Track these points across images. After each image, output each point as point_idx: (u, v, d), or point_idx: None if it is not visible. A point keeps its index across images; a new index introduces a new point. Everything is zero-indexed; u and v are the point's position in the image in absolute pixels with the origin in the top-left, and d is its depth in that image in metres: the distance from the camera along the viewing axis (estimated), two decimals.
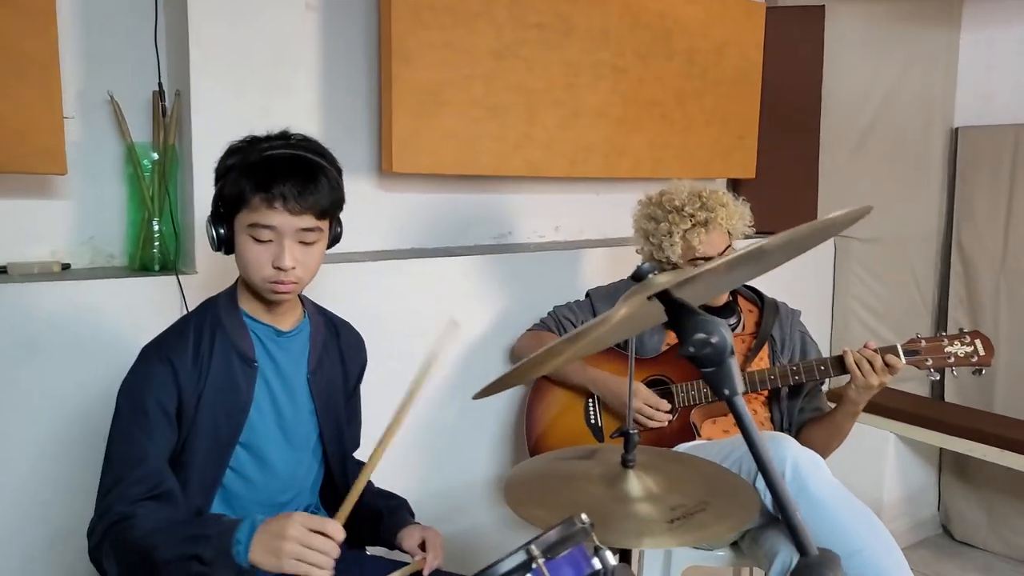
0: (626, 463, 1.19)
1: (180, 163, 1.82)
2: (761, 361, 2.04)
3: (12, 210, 1.76)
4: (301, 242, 1.29)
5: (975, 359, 1.76)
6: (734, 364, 0.79)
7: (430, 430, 2.22)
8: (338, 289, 1.84)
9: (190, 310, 1.41)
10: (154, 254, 1.82)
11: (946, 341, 1.77)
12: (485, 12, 2.20)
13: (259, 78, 1.82)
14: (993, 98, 3.05)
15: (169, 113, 1.79)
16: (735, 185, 3.16)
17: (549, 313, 2.21)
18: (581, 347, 0.92)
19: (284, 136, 1.34)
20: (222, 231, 1.31)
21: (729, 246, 1.99)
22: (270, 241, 1.27)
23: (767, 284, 2.00)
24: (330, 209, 1.31)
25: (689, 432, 1.91)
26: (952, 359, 1.76)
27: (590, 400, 2.05)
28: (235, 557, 1.09)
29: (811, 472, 1.52)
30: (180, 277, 1.76)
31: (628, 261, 2.54)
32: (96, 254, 1.88)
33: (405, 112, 2.09)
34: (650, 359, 2.04)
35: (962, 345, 1.76)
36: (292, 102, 1.87)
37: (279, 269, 1.27)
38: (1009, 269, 3.03)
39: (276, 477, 1.41)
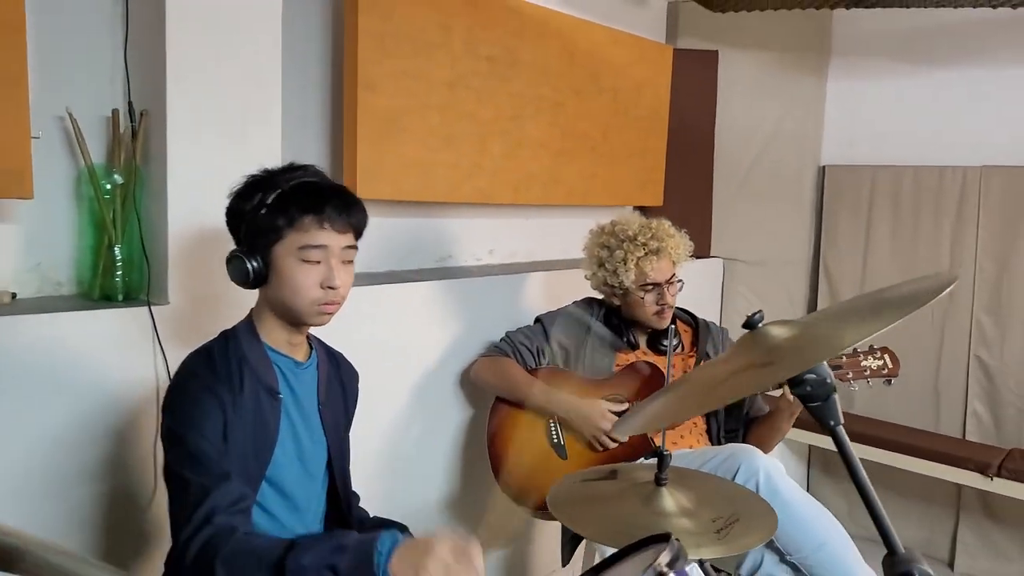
0: (660, 481, 1.31)
1: (146, 186, 1.73)
2: None
3: None
4: (343, 261, 1.33)
5: (886, 371, 2.05)
6: (837, 399, 0.93)
7: (391, 456, 2.23)
8: None
9: (209, 342, 1.36)
10: (116, 282, 1.71)
11: (862, 356, 2.04)
12: (444, 43, 2.26)
13: (235, 101, 1.76)
14: (855, 142, 3.51)
15: (139, 134, 1.69)
16: (642, 212, 3.41)
17: (503, 339, 2.28)
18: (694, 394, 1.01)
19: (299, 167, 1.36)
20: (255, 264, 1.30)
21: (674, 274, 2.18)
22: (318, 263, 1.29)
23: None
24: (363, 229, 1.37)
25: (647, 446, 2.06)
26: (868, 371, 2.04)
27: (551, 422, 2.15)
28: (375, 567, 1.08)
29: (779, 478, 1.72)
30: (152, 308, 1.67)
31: (565, 285, 2.69)
32: (44, 282, 1.73)
33: (368, 140, 2.10)
34: (603, 380, 2.17)
35: (875, 359, 2.04)
36: (268, 128, 1.83)
37: (329, 289, 1.30)
38: (867, 287, 3.48)
39: (295, 509, 1.40)
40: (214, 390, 1.25)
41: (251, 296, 1.82)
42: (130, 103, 1.68)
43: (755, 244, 3.63)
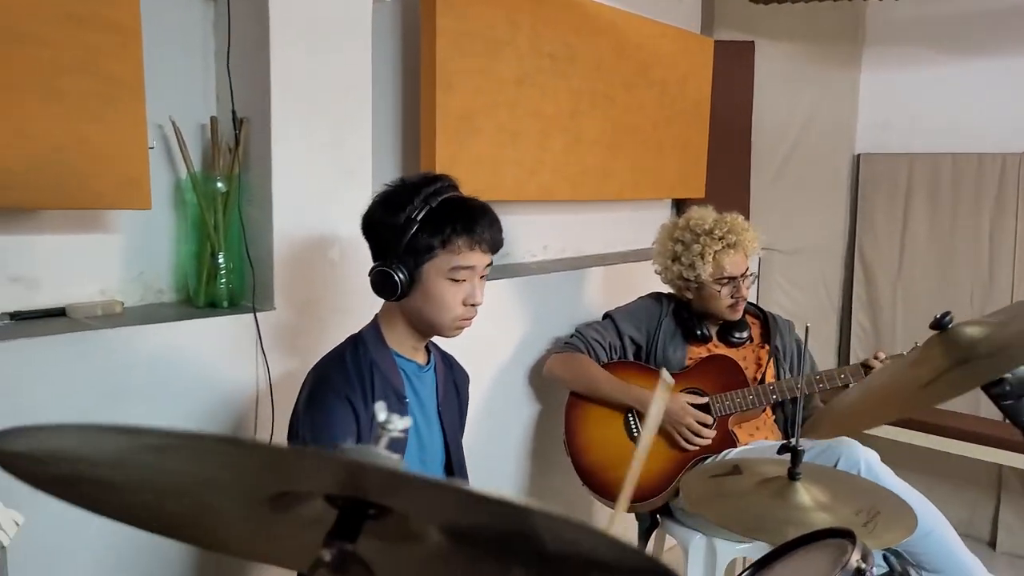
0: (793, 476, 1.34)
1: (247, 194, 1.73)
2: (768, 369, 2.28)
3: (61, 246, 1.59)
4: (480, 278, 1.37)
5: None
6: None
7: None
8: None
9: (338, 347, 1.39)
10: (221, 289, 1.72)
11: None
12: (510, 41, 2.27)
13: (330, 107, 1.77)
14: (890, 130, 3.55)
15: (241, 141, 1.70)
16: (682, 203, 3.44)
17: (574, 335, 2.31)
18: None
19: (436, 179, 1.37)
20: (403, 277, 1.32)
21: (748, 267, 2.21)
22: (464, 281, 1.32)
23: None
24: (501, 247, 1.39)
25: (730, 440, 2.10)
26: None
27: (629, 415, 2.18)
28: None
29: (879, 468, 1.77)
30: (257, 314, 1.68)
31: (624, 279, 2.72)
32: (146, 290, 1.74)
33: (446, 139, 2.12)
34: (680, 373, 2.21)
35: None
36: (360, 133, 1.84)
37: (472, 306, 1.33)
38: (904, 277, 3.54)
39: None
40: (349, 398, 1.28)
41: (352, 302, 1.85)
42: (233, 111, 1.68)
43: (791, 233, 3.67)
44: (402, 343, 1.39)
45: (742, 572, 1.13)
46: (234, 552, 0.63)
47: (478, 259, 1.32)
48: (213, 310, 1.70)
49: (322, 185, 1.78)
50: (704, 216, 2.20)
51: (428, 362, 1.46)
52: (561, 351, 2.31)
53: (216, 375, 1.63)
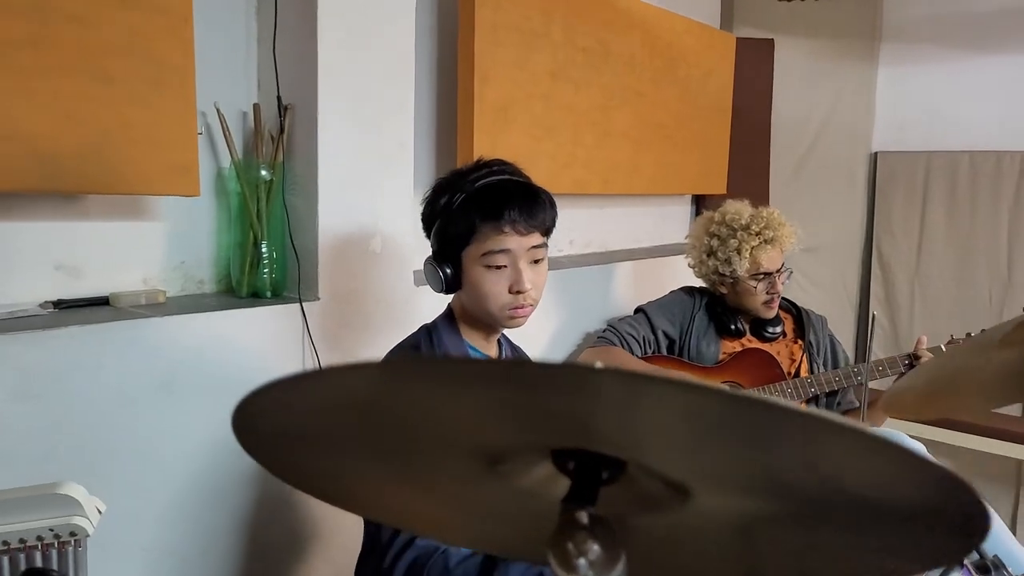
0: None
1: (292, 182, 1.70)
2: (802, 364, 2.27)
3: (105, 233, 1.56)
4: (532, 261, 1.30)
5: None
6: None
7: None
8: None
9: (411, 337, 1.36)
10: (264, 279, 1.69)
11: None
12: (545, 33, 2.25)
13: (374, 96, 1.75)
14: (907, 128, 3.55)
15: (286, 129, 1.67)
16: (701, 199, 3.43)
17: (608, 329, 2.29)
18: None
19: (486, 165, 1.34)
20: (446, 270, 1.29)
21: (783, 263, 2.20)
22: (504, 267, 1.27)
23: None
24: (551, 226, 1.34)
25: None
26: None
27: None
28: None
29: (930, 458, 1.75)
30: (303, 304, 1.65)
31: (650, 274, 2.70)
32: (187, 280, 1.70)
33: (484, 130, 2.09)
34: (715, 367, 2.19)
35: None
36: (401, 121, 1.81)
37: (518, 292, 1.28)
38: (922, 274, 3.54)
39: None
40: None
41: (394, 294, 1.82)
42: (279, 98, 1.66)
43: (809, 231, 3.64)
44: (473, 334, 1.36)
45: None
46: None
47: (512, 242, 1.26)
48: (257, 300, 1.67)
49: (365, 174, 1.75)
50: (740, 211, 2.19)
51: (501, 354, 1.43)
52: (595, 345, 2.29)
53: (264, 365, 1.60)
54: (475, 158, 2.08)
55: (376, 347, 1.80)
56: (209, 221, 1.72)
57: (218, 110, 1.63)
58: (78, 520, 0.77)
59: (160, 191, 1.46)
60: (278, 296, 1.71)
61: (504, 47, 2.12)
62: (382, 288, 1.81)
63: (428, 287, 1.94)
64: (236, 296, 1.69)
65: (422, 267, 1.35)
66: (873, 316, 1.46)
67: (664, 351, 2.28)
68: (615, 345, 2.25)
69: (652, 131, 2.77)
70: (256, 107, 1.70)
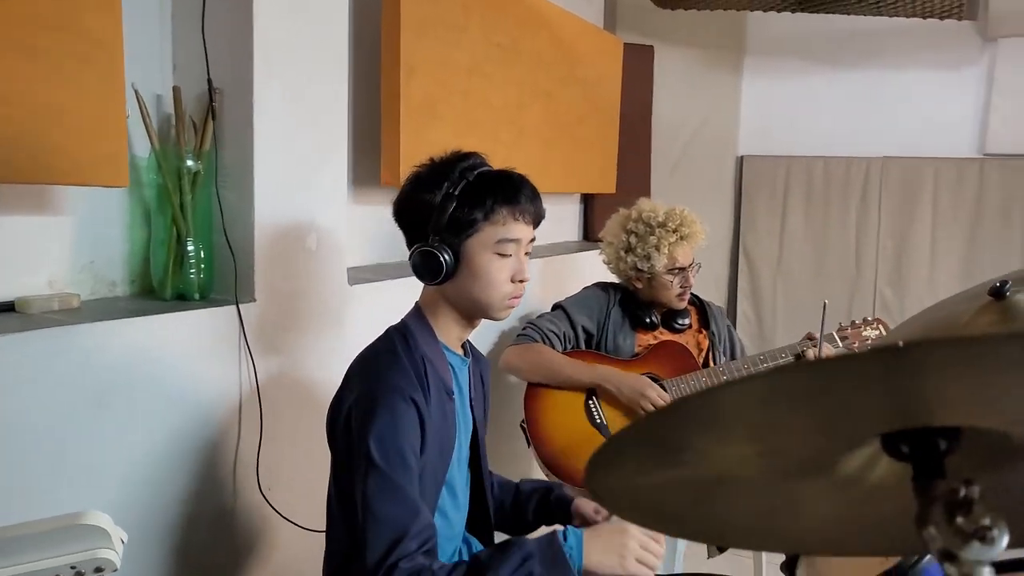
0: None
1: (224, 174, 1.56)
2: (708, 353, 2.40)
3: (3, 228, 1.35)
4: (525, 254, 1.31)
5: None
6: None
7: None
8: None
9: (384, 340, 1.29)
10: (191, 280, 1.54)
11: (862, 327, 2.30)
12: (464, 27, 2.22)
13: (310, 86, 1.64)
14: (769, 134, 3.86)
15: (216, 115, 1.53)
16: (589, 198, 3.54)
17: (529, 327, 2.30)
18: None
19: (469, 155, 1.32)
20: (447, 258, 1.24)
21: (693, 258, 2.32)
22: (509, 256, 1.26)
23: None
24: (542, 220, 1.35)
25: None
26: (869, 341, 2.29)
27: (590, 401, 2.21)
28: (569, 560, 1.09)
29: None
30: (240, 306, 1.53)
31: (554, 273, 2.75)
32: (97, 282, 1.52)
33: (410, 126, 2.03)
34: (633, 360, 2.27)
35: (872, 329, 2.30)
36: (336, 114, 1.72)
37: (520, 282, 1.28)
38: (783, 269, 3.86)
39: (459, 508, 1.37)
40: (414, 399, 1.19)
41: (330, 295, 1.72)
42: (209, 81, 1.51)
43: None
44: (449, 334, 1.31)
45: None
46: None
47: (523, 231, 1.27)
48: (184, 303, 1.52)
49: (301, 168, 1.65)
50: (655, 208, 2.28)
51: (467, 354, 1.39)
52: (517, 343, 2.29)
53: (199, 374, 1.46)
54: (401, 155, 2.04)
55: (313, 351, 1.70)
56: (121, 216, 1.54)
57: (136, 92, 1.46)
58: (105, 553, 0.66)
59: (86, 181, 1.28)
60: (206, 298, 1.56)
61: (428, 41, 2.07)
62: (318, 288, 1.71)
63: (362, 286, 1.87)
64: (159, 299, 1.53)
65: (409, 256, 1.28)
66: (824, 304, 1.57)
67: (583, 346, 2.33)
68: (536, 342, 2.26)
69: (559, 130, 2.82)
70: (176, 90, 1.54)
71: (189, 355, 1.44)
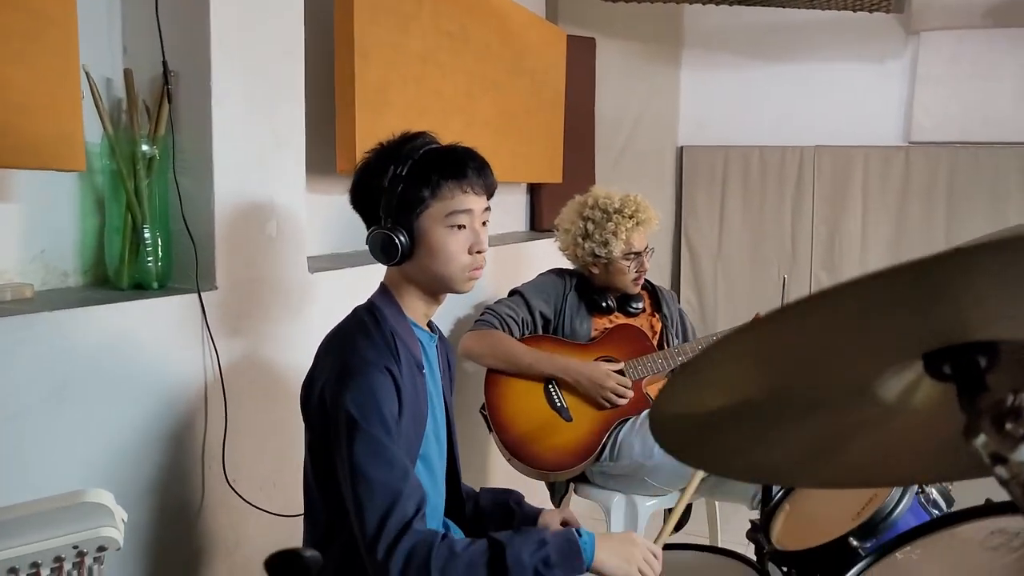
0: None
1: (181, 159, 1.52)
2: (661, 336, 2.46)
3: None
4: (482, 224, 1.33)
5: None
6: None
7: None
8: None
9: (351, 319, 1.28)
10: (149, 268, 1.49)
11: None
12: (416, 15, 2.22)
13: (268, 69, 1.62)
14: (706, 125, 3.97)
15: (172, 99, 1.48)
16: (536, 189, 3.57)
17: (487, 312, 2.31)
18: None
19: (418, 135, 1.35)
20: (402, 238, 1.25)
21: (647, 243, 2.38)
22: (464, 228, 1.28)
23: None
24: (495, 191, 1.37)
25: (646, 401, 2.24)
26: None
27: (549, 385, 2.24)
28: (583, 555, 1.12)
29: None
30: (201, 295, 1.49)
31: (508, 261, 2.78)
32: (49, 272, 1.46)
33: (365, 111, 2.02)
34: (590, 343, 2.31)
35: None
36: (294, 99, 1.70)
37: (478, 253, 1.30)
38: (723, 255, 3.99)
39: (437, 486, 1.38)
40: (390, 369, 1.20)
41: (291, 281, 1.70)
42: (165, 63, 1.47)
43: None
44: (415, 311, 1.33)
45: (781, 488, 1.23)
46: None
47: (473, 202, 1.29)
48: (143, 292, 1.47)
49: (260, 152, 1.62)
50: (611, 195, 2.32)
51: (434, 331, 1.41)
52: (475, 329, 2.30)
53: (161, 364, 1.42)
54: (356, 141, 2.02)
55: (275, 339, 1.67)
56: (71, 203, 1.49)
57: (87, 74, 1.40)
58: (108, 531, 0.64)
59: (40, 164, 1.23)
60: (164, 287, 1.52)
61: (381, 27, 2.06)
62: (279, 275, 1.68)
63: (323, 274, 1.85)
64: (115, 288, 1.48)
65: (366, 240, 1.28)
66: (784, 278, 1.64)
67: (540, 331, 2.35)
68: (495, 328, 2.27)
69: (508, 120, 2.84)
70: (128, 73, 1.49)
71: (151, 345, 1.40)
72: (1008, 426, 0.44)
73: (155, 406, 1.41)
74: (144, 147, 1.47)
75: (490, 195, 1.35)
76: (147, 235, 1.49)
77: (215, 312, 1.52)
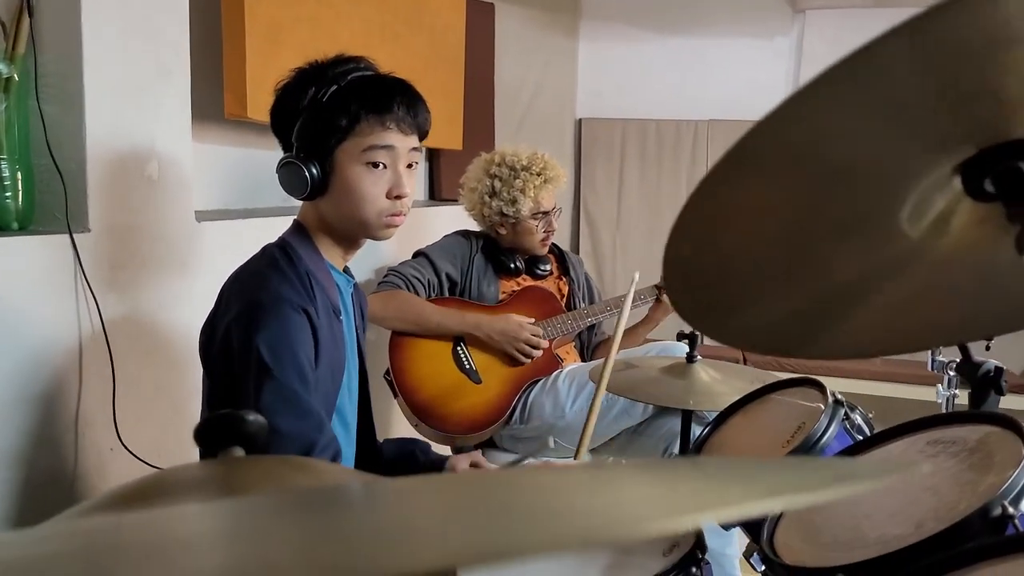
0: (692, 359, 1.48)
1: (41, 83, 1.33)
2: (568, 298, 2.44)
3: None
4: (407, 166, 1.22)
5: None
6: None
7: None
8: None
9: (261, 256, 1.16)
10: (9, 207, 1.30)
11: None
12: None
13: None
14: (604, 97, 3.99)
15: (33, 11, 1.29)
16: (435, 153, 3.47)
17: (392, 273, 2.21)
18: None
19: (351, 59, 1.23)
20: (314, 170, 1.14)
21: (555, 202, 2.34)
22: (384, 167, 1.18)
23: None
24: (427, 131, 1.27)
25: (556, 362, 2.21)
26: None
27: (458, 347, 2.16)
28: None
29: None
30: (74, 236, 1.32)
31: (408, 228, 2.67)
32: None
33: (255, 51, 1.86)
34: (498, 305, 2.25)
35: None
36: (176, 23, 1.53)
37: (398, 198, 1.19)
38: (622, 228, 4.04)
39: (350, 441, 1.29)
40: (305, 309, 1.09)
41: (172, 229, 1.54)
42: None
43: None
44: (332, 253, 1.21)
45: (706, 425, 1.22)
46: None
47: (396, 139, 1.18)
48: (2, 232, 1.28)
49: (138, 83, 1.45)
50: (518, 152, 2.26)
51: (352, 277, 1.30)
52: (379, 291, 2.19)
53: (26, 313, 1.25)
54: (247, 81, 1.86)
55: (159, 288, 1.51)
56: None
57: None
58: None
59: None
60: (25, 229, 1.33)
61: None
62: (161, 222, 1.52)
63: (211, 223, 1.69)
64: None
65: (276, 169, 1.16)
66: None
67: (446, 293, 2.27)
68: (400, 288, 2.18)
69: (406, 75, 2.70)
70: None
71: (12, 293, 1.22)
72: None
73: (20, 361, 1.23)
74: (1, 67, 1.28)
75: (422, 136, 1.25)
76: (5, 169, 1.30)
77: (89, 258, 1.35)
